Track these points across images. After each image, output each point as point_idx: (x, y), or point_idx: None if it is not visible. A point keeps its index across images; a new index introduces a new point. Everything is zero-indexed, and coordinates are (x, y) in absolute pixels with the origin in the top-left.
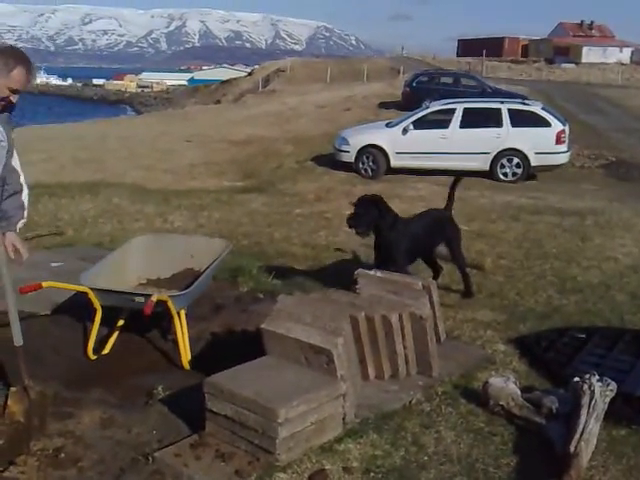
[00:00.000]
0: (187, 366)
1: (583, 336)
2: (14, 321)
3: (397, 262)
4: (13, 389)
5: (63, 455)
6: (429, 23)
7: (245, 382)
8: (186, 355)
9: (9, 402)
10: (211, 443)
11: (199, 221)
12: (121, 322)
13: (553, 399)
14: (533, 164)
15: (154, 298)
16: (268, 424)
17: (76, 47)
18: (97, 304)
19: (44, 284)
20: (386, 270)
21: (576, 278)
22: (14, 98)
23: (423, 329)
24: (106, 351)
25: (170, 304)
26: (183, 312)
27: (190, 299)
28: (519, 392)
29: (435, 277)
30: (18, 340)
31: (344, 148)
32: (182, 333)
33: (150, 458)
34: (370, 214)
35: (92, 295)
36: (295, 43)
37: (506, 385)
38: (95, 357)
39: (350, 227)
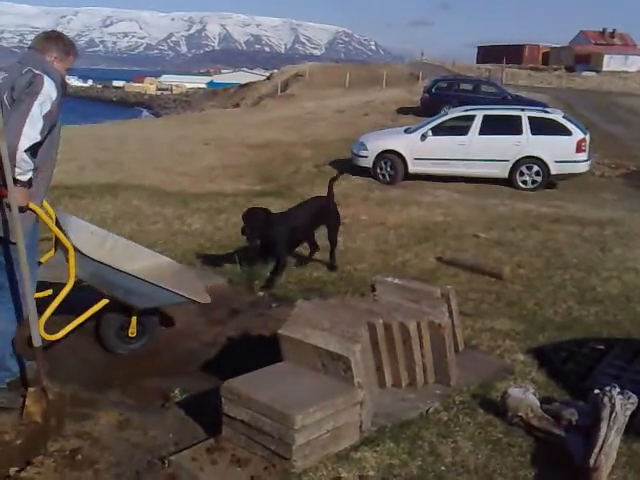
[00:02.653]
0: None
1: (603, 348)
2: (33, 322)
3: (278, 254)
4: (31, 390)
5: (80, 456)
6: (449, 29)
7: (262, 387)
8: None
9: (27, 402)
10: (227, 448)
11: (216, 224)
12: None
13: (573, 411)
14: (553, 172)
15: None
16: (284, 430)
17: (97, 49)
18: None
19: None
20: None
21: (596, 289)
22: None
23: (441, 338)
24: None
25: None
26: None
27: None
28: (538, 403)
29: (311, 254)
30: (37, 341)
31: (362, 153)
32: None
33: (166, 461)
34: (257, 224)
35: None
36: (314, 48)
37: (525, 396)
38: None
39: (243, 234)
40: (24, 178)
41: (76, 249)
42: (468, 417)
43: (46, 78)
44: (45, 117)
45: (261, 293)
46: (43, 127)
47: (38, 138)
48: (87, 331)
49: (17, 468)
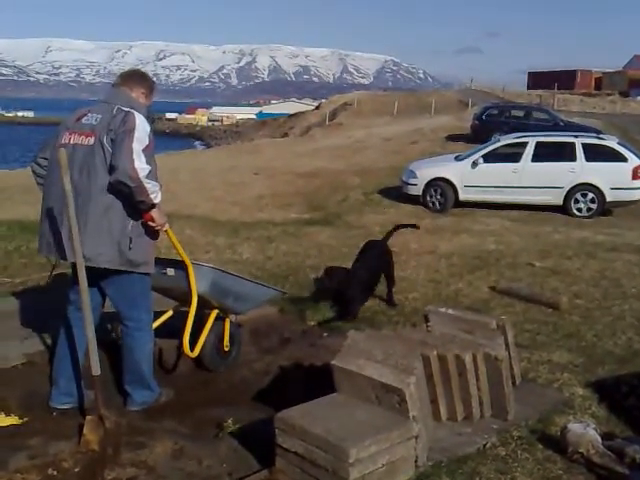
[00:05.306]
0: None
1: None
2: (93, 350)
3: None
4: (89, 418)
5: None
6: (498, 56)
7: (316, 419)
8: None
9: (85, 430)
10: None
11: (267, 253)
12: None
13: (637, 448)
14: (608, 199)
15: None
16: (339, 464)
17: None
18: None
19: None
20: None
21: None
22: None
23: (498, 370)
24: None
25: None
26: None
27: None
28: (600, 439)
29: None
30: (96, 370)
31: (412, 181)
32: None
33: None
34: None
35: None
36: (362, 77)
37: (586, 431)
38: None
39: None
40: (158, 199)
41: (195, 263)
42: (527, 453)
43: (136, 114)
44: (144, 151)
45: (312, 322)
46: (146, 159)
47: (149, 167)
48: None
49: None
